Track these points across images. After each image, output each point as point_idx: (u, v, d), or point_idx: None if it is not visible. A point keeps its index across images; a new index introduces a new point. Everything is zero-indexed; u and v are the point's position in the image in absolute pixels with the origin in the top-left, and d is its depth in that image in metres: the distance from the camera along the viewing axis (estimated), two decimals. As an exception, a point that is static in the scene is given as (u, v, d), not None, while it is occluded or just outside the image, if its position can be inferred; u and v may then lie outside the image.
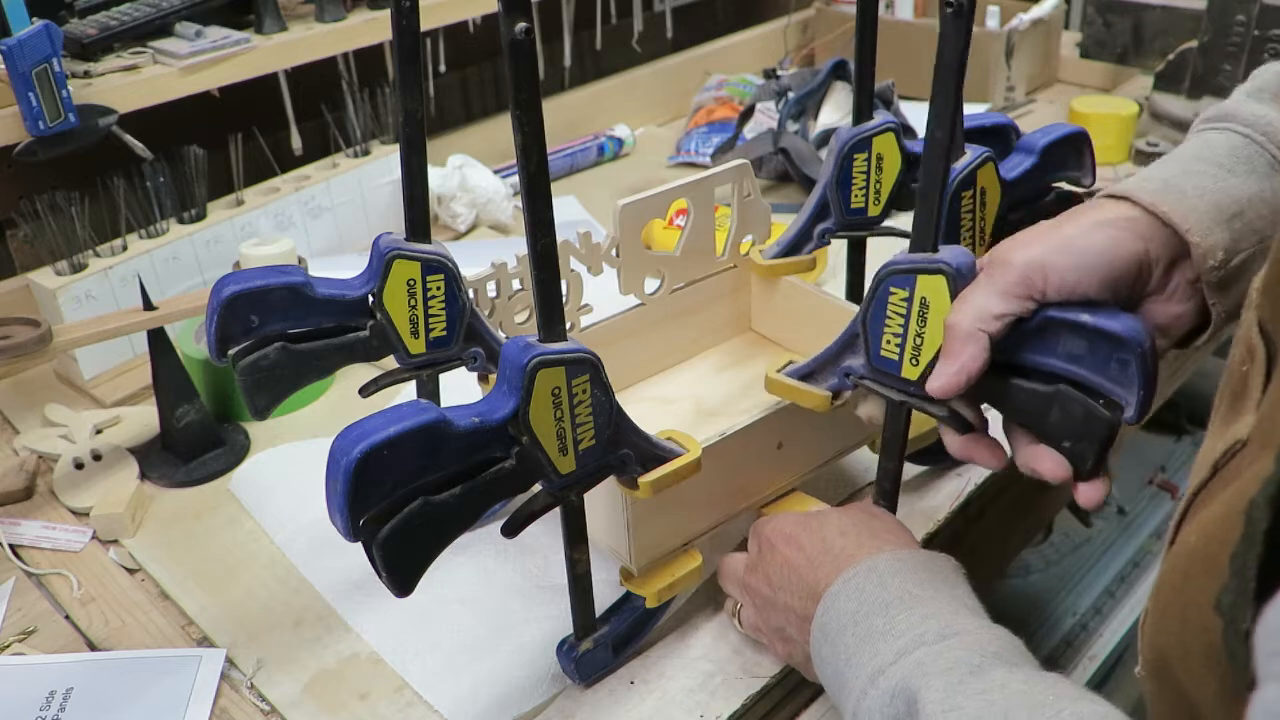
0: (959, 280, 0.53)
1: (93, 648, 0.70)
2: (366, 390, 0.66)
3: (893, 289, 0.56)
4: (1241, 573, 0.31)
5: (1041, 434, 0.54)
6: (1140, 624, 0.45)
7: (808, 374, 0.63)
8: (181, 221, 1.00)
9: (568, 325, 0.76)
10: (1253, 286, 0.42)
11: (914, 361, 0.57)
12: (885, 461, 0.64)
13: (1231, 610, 0.31)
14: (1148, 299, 0.53)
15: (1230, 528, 0.32)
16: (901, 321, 0.56)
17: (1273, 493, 0.31)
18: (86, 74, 0.94)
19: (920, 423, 0.77)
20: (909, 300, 0.55)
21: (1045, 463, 0.54)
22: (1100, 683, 1.26)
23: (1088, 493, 0.54)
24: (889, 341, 0.57)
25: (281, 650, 0.68)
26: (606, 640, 0.64)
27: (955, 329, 0.52)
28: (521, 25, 0.44)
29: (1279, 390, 0.38)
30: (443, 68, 1.33)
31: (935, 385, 0.53)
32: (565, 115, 1.42)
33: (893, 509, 0.65)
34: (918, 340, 0.56)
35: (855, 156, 0.74)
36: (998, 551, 0.97)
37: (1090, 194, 0.73)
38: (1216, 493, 0.39)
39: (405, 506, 0.48)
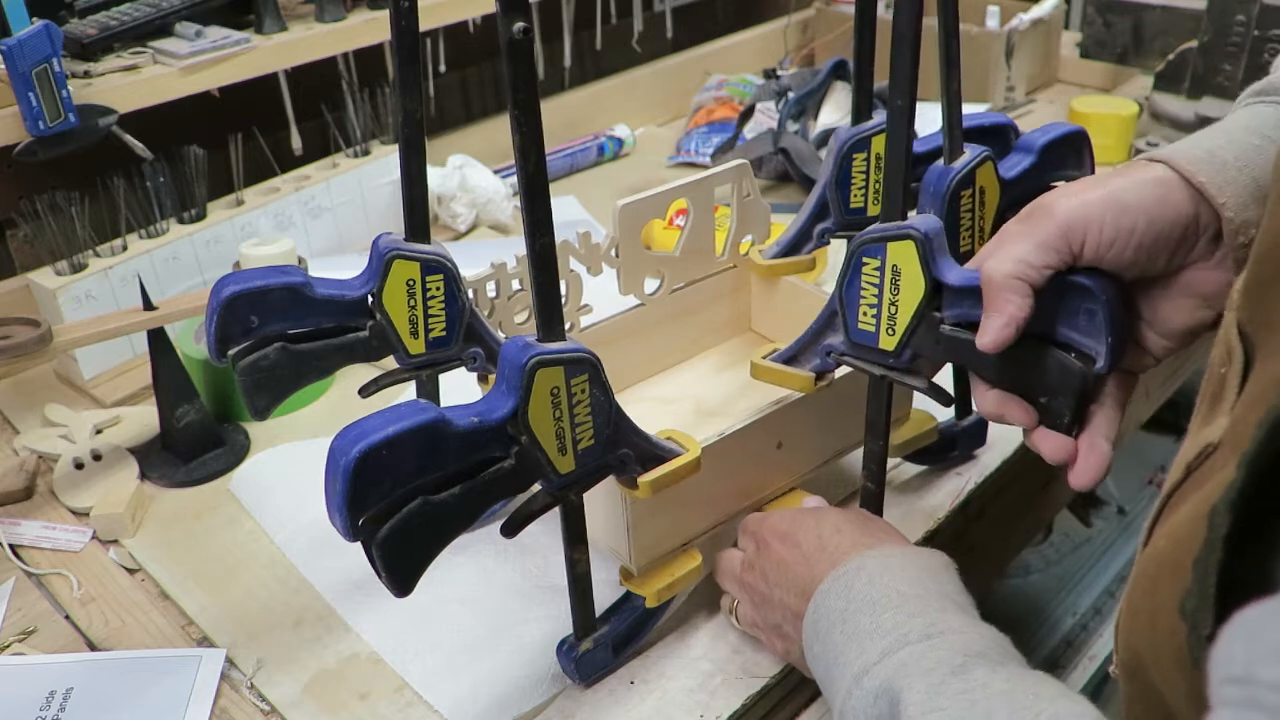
0: (927, 244, 0.54)
1: (93, 648, 0.70)
2: (366, 390, 0.66)
3: (865, 259, 0.57)
4: (1203, 578, 0.31)
5: (1018, 391, 0.54)
6: (1116, 625, 0.45)
7: (791, 357, 0.64)
8: (181, 221, 1.00)
9: (567, 325, 0.76)
10: (1234, 288, 0.42)
11: (890, 331, 0.57)
12: (870, 442, 0.64)
13: (1194, 615, 0.32)
14: (1193, 266, 0.51)
15: (1196, 532, 0.32)
16: (876, 292, 0.57)
17: (1234, 498, 0.31)
18: (86, 74, 0.94)
19: (920, 422, 0.77)
20: (881, 269, 0.56)
21: (1014, 410, 0.54)
22: (1100, 683, 1.26)
23: (1052, 446, 0.54)
24: (865, 314, 0.58)
25: (281, 650, 0.68)
26: (606, 640, 0.64)
27: (993, 278, 0.51)
28: (520, 25, 0.44)
29: (1252, 395, 0.38)
30: (443, 68, 1.33)
31: (985, 340, 0.51)
32: (565, 115, 1.42)
33: (880, 491, 0.65)
34: (892, 309, 0.57)
35: (854, 156, 0.74)
36: (998, 551, 0.97)
37: None
38: (1189, 495, 0.39)
39: (404, 506, 0.48)
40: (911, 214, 0.58)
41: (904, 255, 0.55)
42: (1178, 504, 0.40)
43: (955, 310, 0.55)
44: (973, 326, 0.54)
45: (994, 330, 0.51)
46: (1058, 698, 0.44)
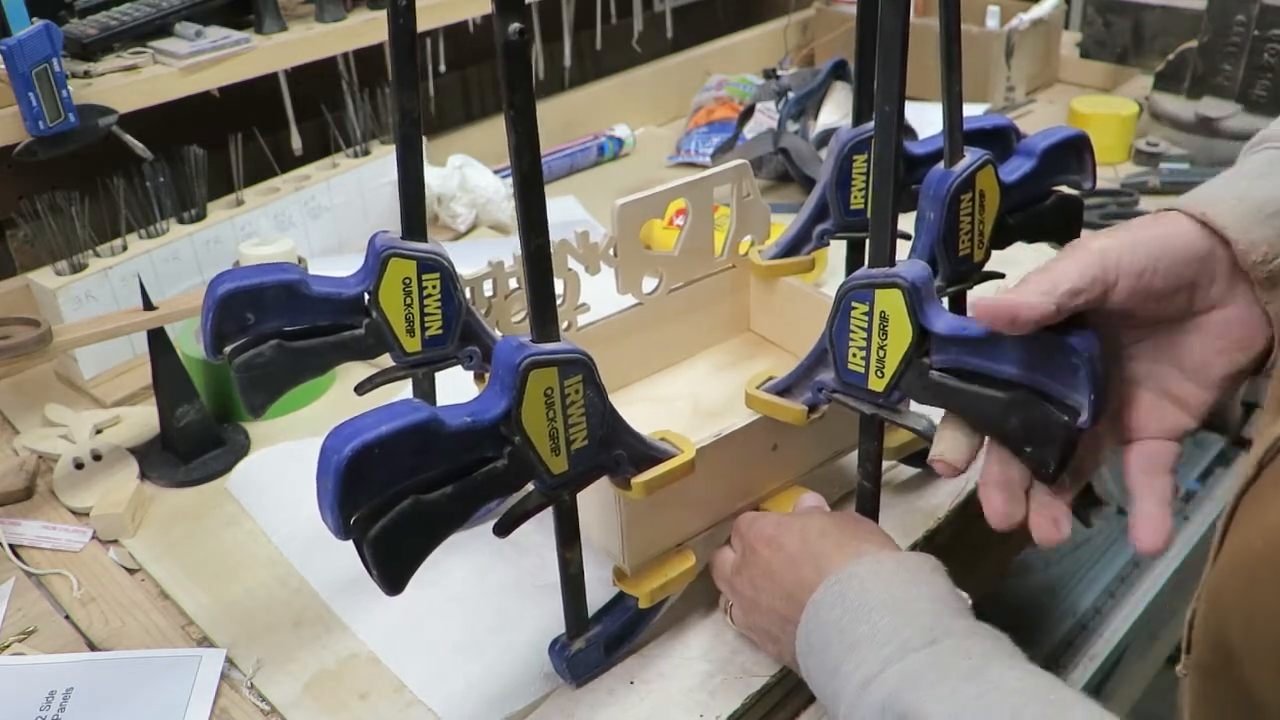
0: (914, 293, 0.54)
1: (93, 648, 0.70)
2: (362, 388, 0.66)
3: (854, 304, 0.57)
4: None
5: (1003, 440, 0.55)
6: (1189, 621, 0.45)
7: (785, 389, 0.64)
8: (181, 221, 1.00)
9: (565, 324, 0.76)
10: None
11: (879, 374, 0.57)
12: (865, 441, 0.64)
13: None
14: (1220, 307, 0.52)
15: None
16: (864, 335, 0.57)
17: None
18: (86, 74, 0.94)
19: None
20: (869, 314, 0.56)
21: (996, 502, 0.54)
22: (1100, 683, 1.26)
23: (1045, 526, 0.53)
24: (854, 355, 0.58)
25: (281, 650, 0.68)
26: (599, 640, 0.64)
27: (1026, 286, 0.50)
28: (515, 26, 0.44)
29: None
30: (442, 68, 1.33)
31: (981, 304, 0.50)
32: (565, 115, 1.42)
33: (876, 490, 0.65)
34: (880, 353, 0.57)
35: (855, 158, 0.74)
36: (998, 551, 0.97)
37: (1089, 194, 0.73)
38: (1267, 494, 0.38)
39: (396, 505, 0.49)
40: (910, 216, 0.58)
41: (891, 303, 0.55)
42: (1255, 501, 0.39)
43: (943, 356, 0.55)
44: (961, 373, 0.54)
45: (995, 304, 0.49)
46: (1074, 703, 0.44)
